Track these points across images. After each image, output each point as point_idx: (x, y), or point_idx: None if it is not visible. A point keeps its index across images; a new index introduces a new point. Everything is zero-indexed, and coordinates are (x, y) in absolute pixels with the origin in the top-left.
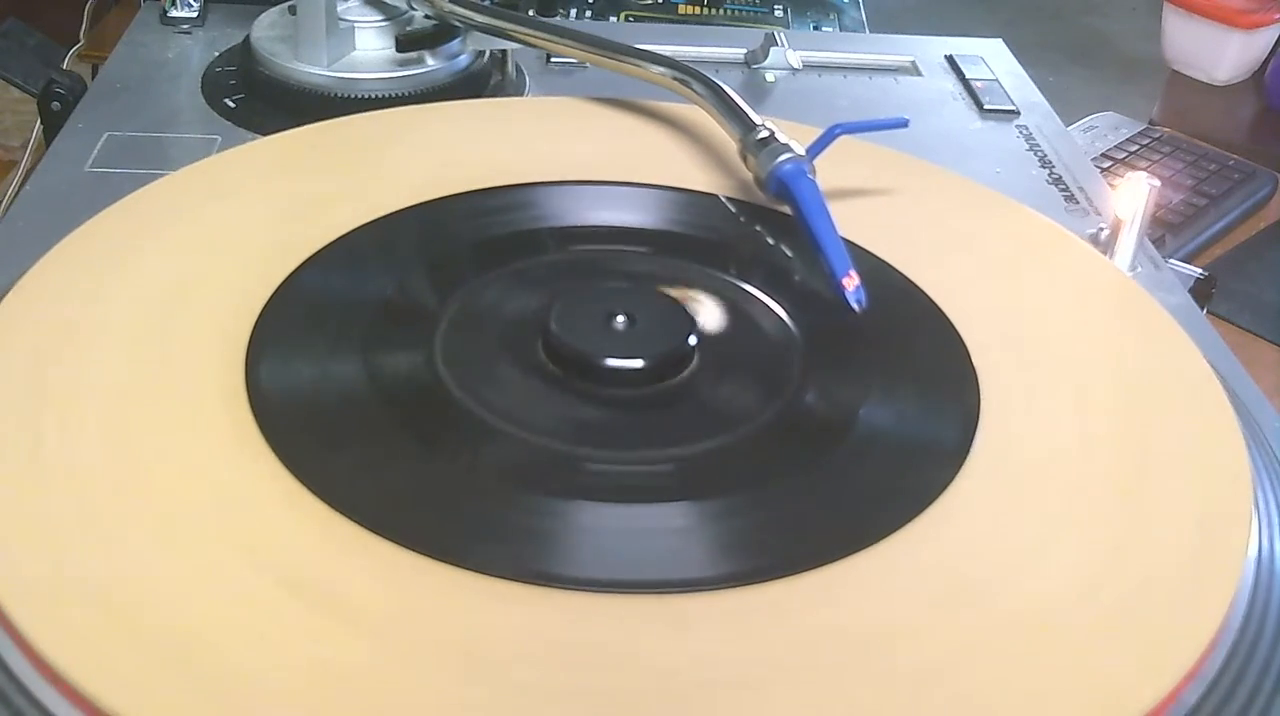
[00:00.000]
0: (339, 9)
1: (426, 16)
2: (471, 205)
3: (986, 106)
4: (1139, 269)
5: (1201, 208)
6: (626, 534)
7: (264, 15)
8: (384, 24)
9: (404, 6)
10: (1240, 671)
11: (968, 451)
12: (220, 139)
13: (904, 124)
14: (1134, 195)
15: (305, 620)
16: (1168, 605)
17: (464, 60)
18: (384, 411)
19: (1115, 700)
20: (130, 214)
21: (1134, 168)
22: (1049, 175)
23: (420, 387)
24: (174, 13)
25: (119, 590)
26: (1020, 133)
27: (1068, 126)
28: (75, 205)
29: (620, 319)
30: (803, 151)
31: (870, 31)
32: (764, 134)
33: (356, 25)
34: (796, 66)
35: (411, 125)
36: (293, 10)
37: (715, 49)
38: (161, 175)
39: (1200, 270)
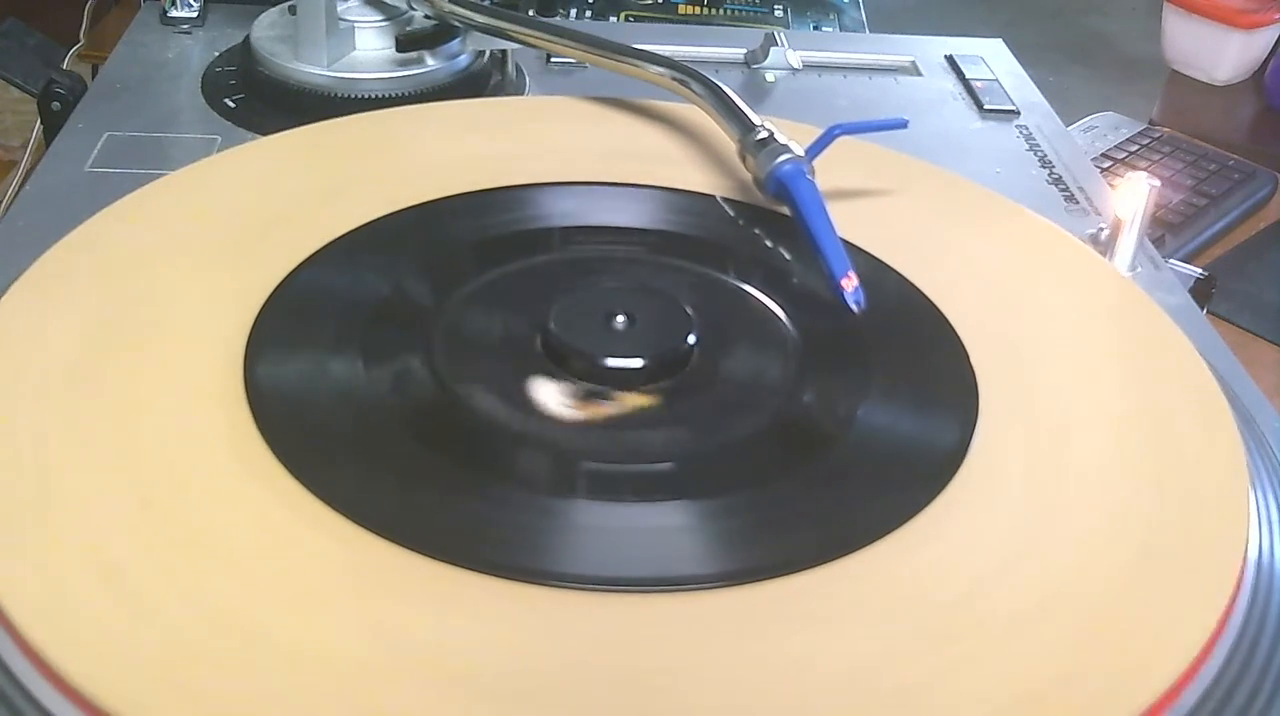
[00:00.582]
0: (339, 9)
1: (426, 16)
2: (471, 205)
3: (986, 106)
4: (1139, 269)
5: (1201, 208)
6: (625, 533)
7: (264, 15)
8: (384, 24)
9: (404, 6)
10: (1240, 671)
11: (966, 452)
12: (220, 139)
13: (904, 124)
14: (1134, 195)
15: (303, 619)
16: (1167, 605)
17: (464, 60)
18: (382, 411)
19: (1115, 700)
20: (130, 214)
21: (1134, 168)
22: (1049, 175)
23: (419, 387)
24: (174, 13)
25: (119, 590)
26: (1020, 133)
27: (1068, 126)
28: (75, 205)
29: (620, 318)
30: (802, 152)
31: (870, 31)
32: (763, 134)
33: (356, 25)
34: (796, 66)
35: (411, 125)
36: (293, 10)
37: (715, 49)
38: (161, 175)
39: (1200, 270)
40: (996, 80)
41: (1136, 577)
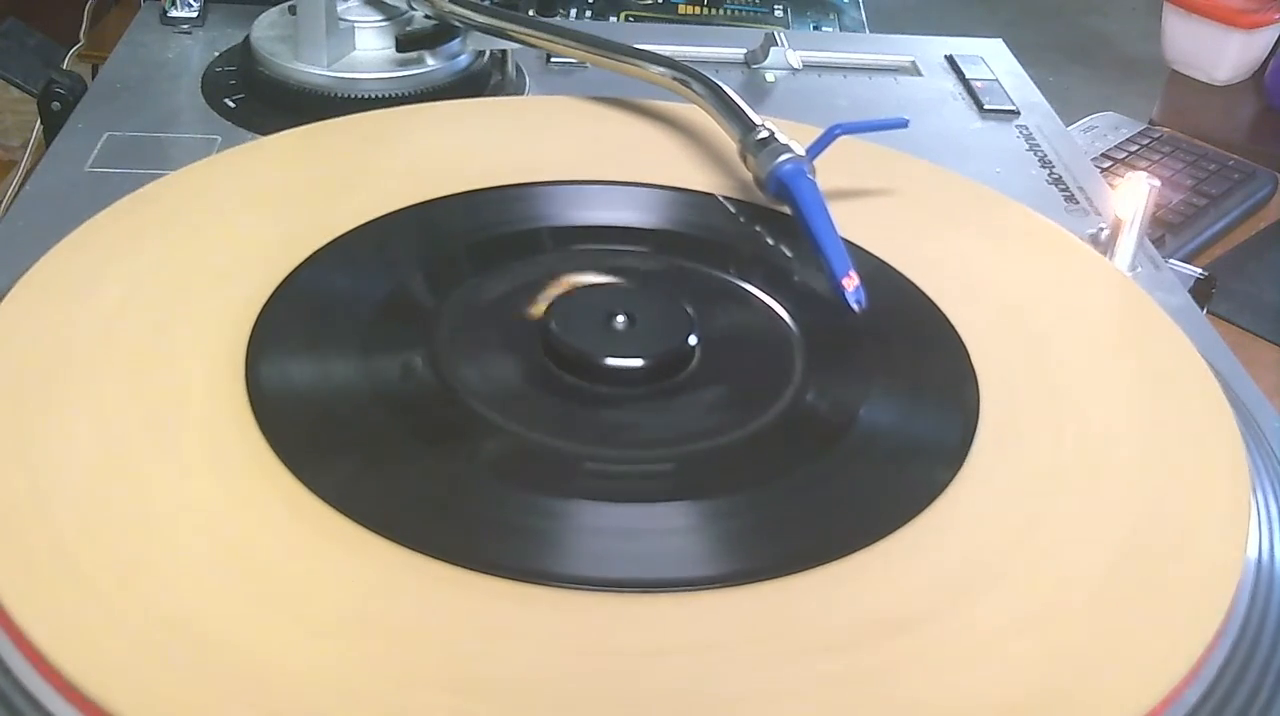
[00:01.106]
0: (339, 9)
1: (426, 16)
2: (471, 205)
3: (986, 106)
4: (1139, 269)
5: (1201, 208)
6: (626, 533)
7: (264, 15)
8: (384, 24)
9: (404, 6)
10: (1240, 671)
11: (967, 451)
12: (220, 139)
13: (904, 124)
14: (1134, 195)
15: (305, 619)
16: (1167, 605)
17: (464, 60)
18: (383, 410)
19: (1115, 699)
20: (130, 214)
21: (1134, 168)
22: (1049, 175)
23: (420, 387)
24: (174, 13)
25: (119, 589)
26: (1020, 133)
27: (1068, 126)
28: (75, 205)
29: (620, 318)
30: (802, 152)
31: (870, 31)
32: (764, 134)
33: (356, 25)
34: (796, 66)
35: (411, 125)
36: (293, 10)
37: (715, 49)
38: (161, 175)
39: (1200, 270)
40: (996, 80)
41: (1137, 577)
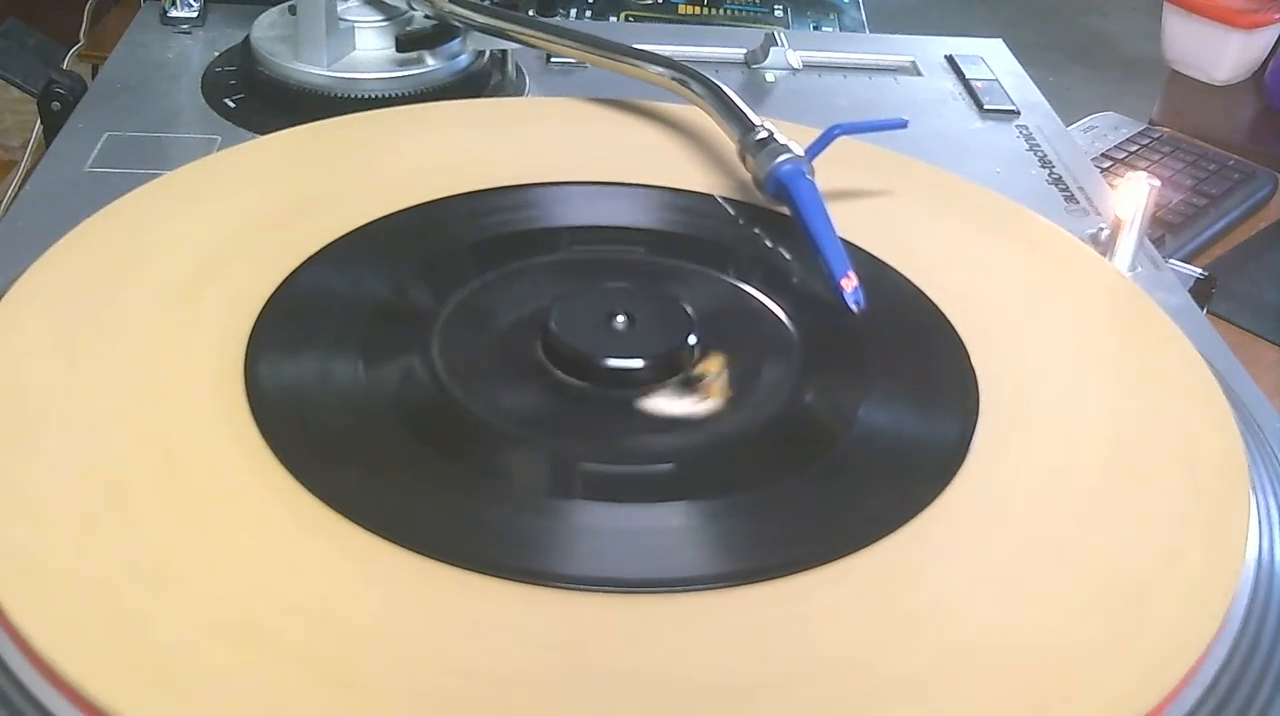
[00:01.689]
0: (339, 9)
1: (426, 16)
2: (471, 205)
3: (986, 106)
4: (1139, 269)
5: (1201, 208)
6: (625, 534)
7: (264, 15)
8: (384, 24)
9: (404, 6)
10: (1240, 672)
11: (966, 452)
12: (220, 139)
13: (903, 125)
14: (1134, 195)
15: (304, 622)
16: (1167, 605)
17: (464, 60)
18: (383, 412)
19: (1115, 701)
20: (129, 214)
21: (1134, 168)
22: (1049, 175)
23: (419, 388)
24: (174, 13)
25: (119, 589)
26: (1020, 133)
27: (1068, 126)
28: (75, 205)
29: (620, 319)
30: (802, 152)
31: (870, 31)
32: (763, 134)
33: (356, 25)
34: (796, 66)
35: (411, 125)
36: (293, 10)
37: (715, 49)
38: (161, 175)
39: (1200, 270)
40: (996, 80)
41: (1137, 577)
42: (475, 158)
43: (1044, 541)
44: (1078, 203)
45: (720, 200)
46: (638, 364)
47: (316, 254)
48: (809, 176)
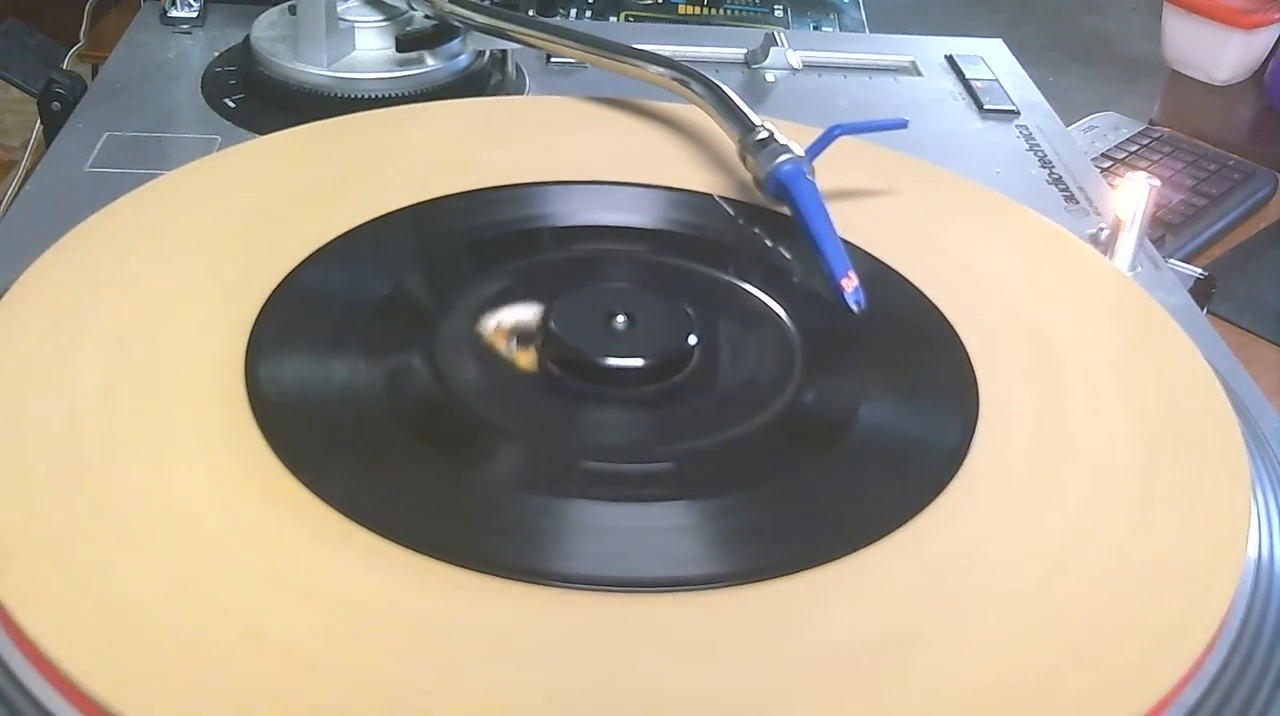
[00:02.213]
0: (339, 9)
1: (426, 16)
2: (471, 205)
3: (986, 106)
4: (1139, 269)
5: (1201, 208)
6: (625, 533)
7: (264, 15)
8: (384, 24)
9: (404, 6)
10: (1240, 671)
11: (966, 452)
12: (220, 139)
13: (903, 125)
14: (1134, 195)
15: (304, 620)
16: (1167, 604)
17: (464, 60)
18: (383, 411)
19: (1115, 699)
20: (128, 213)
21: (1134, 168)
22: (1049, 175)
23: (419, 387)
24: (174, 13)
25: (119, 589)
26: (1020, 133)
27: (1068, 126)
28: (75, 205)
29: (620, 318)
30: (802, 152)
31: (870, 31)
32: (763, 134)
33: (356, 25)
34: (796, 66)
35: (411, 125)
36: (293, 10)
37: (715, 49)
38: (161, 175)
39: (1200, 270)
40: (996, 80)
41: (1136, 577)
42: (475, 157)
43: (1043, 541)
44: (1078, 203)
45: (719, 200)
46: (637, 363)
47: (316, 253)
48: (809, 176)
